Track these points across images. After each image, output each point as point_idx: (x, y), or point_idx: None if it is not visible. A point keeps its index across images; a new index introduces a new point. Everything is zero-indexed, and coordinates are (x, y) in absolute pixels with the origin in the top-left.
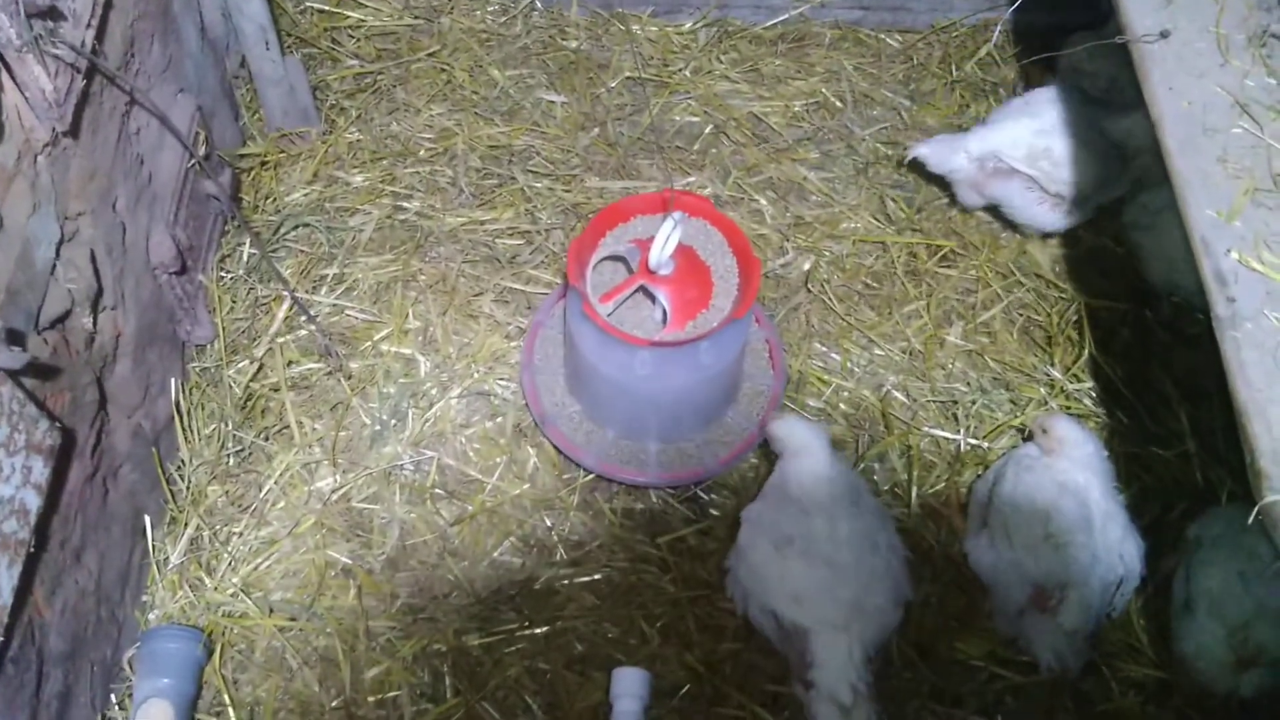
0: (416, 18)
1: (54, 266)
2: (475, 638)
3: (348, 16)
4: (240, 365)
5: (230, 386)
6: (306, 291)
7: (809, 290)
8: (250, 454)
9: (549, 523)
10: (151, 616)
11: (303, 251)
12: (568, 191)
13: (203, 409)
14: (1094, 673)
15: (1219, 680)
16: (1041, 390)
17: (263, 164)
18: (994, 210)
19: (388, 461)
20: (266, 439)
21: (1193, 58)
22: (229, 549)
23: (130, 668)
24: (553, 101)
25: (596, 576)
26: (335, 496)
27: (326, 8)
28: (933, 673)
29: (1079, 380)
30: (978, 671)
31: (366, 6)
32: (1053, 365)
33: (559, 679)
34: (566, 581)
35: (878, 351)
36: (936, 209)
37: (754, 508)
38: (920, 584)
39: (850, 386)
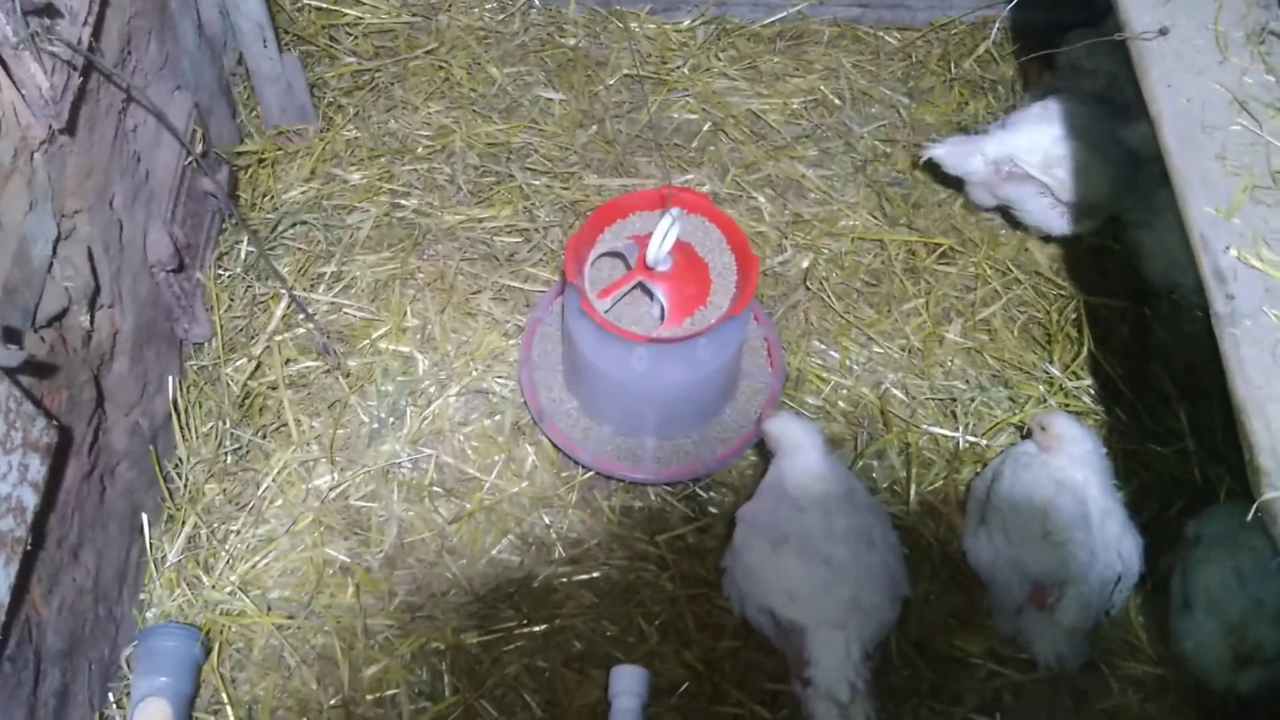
0: (414, 15)
1: (51, 264)
2: (474, 636)
3: (345, 14)
4: (238, 363)
5: (228, 384)
6: (304, 289)
7: (807, 288)
8: (248, 452)
9: (547, 520)
10: (149, 614)
11: (300, 249)
12: (566, 189)
13: (200, 407)
14: (1093, 670)
15: (1217, 677)
16: (1040, 388)
17: (260, 161)
18: (998, 208)
19: (386, 459)
20: (264, 437)
21: (1191, 55)
22: (227, 547)
23: (128, 666)
24: (551, 99)
25: (595, 574)
26: (333, 494)
27: (324, 5)
28: (931, 670)
29: (1078, 378)
30: (976, 669)
31: (364, 4)
32: (1051, 363)
33: (557, 677)
34: (565, 579)
35: (876, 349)
36: (935, 206)
37: (749, 507)
38: (919, 581)
39: (849, 384)
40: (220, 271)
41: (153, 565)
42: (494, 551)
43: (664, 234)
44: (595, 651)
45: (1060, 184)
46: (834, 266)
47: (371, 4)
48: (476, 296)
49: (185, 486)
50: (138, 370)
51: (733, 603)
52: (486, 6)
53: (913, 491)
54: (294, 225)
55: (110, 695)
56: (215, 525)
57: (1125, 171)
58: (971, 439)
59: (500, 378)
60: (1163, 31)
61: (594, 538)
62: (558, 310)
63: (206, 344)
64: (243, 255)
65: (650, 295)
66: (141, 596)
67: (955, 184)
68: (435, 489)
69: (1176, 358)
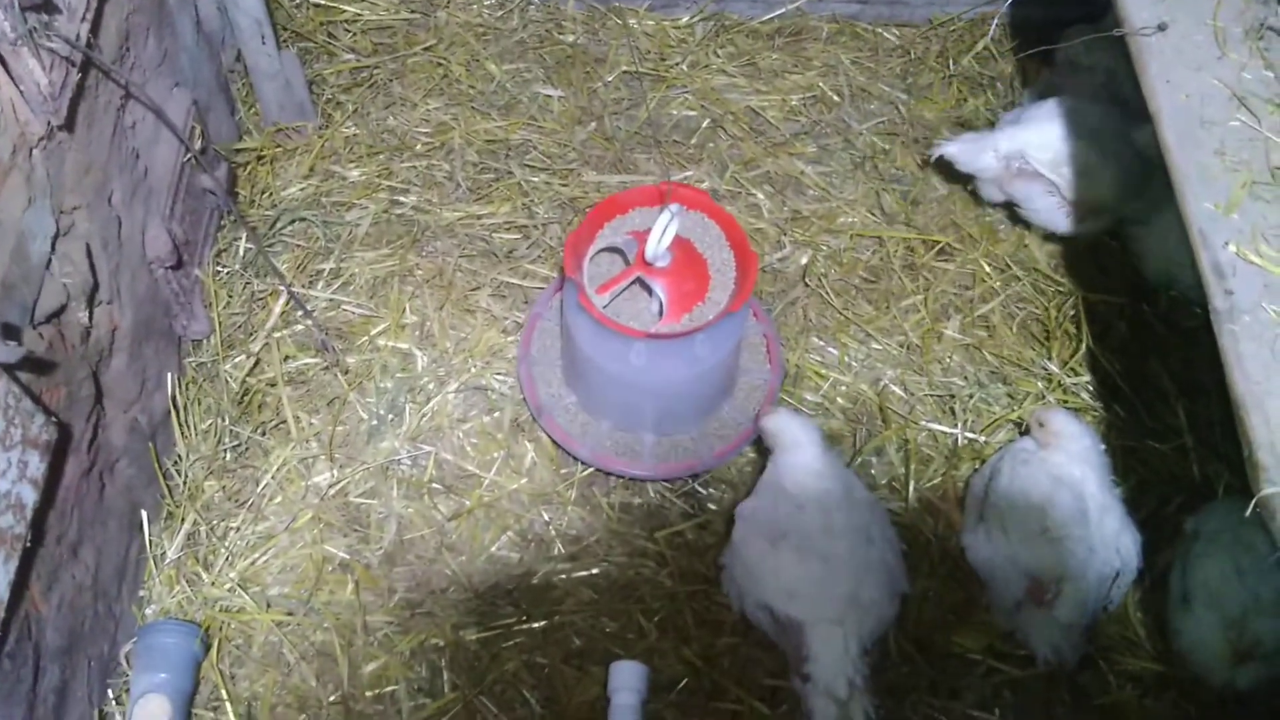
0: (413, 12)
1: (49, 261)
2: (473, 632)
3: (344, 10)
4: (237, 360)
5: (227, 381)
6: (303, 286)
7: (806, 284)
8: (247, 449)
9: (546, 517)
10: (148, 611)
11: (299, 246)
12: (565, 186)
13: (199, 404)
14: (1091, 666)
15: (1216, 673)
16: (1039, 384)
17: (259, 158)
18: (1004, 204)
19: (385, 456)
20: (263, 434)
21: (1190, 51)
22: (226, 544)
23: (127, 663)
24: (549, 96)
25: (594, 571)
26: (332, 491)
27: (322, 2)
28: (930, 666)
29: (1076, 374)
30: (975, 665)
31: (363, 0)
32: (1050, 359)
33: (557, 673)
34: (564, 576)
35: (875, 346)
36: (933, 203)
37: (747, 504)
38: (917, 578)
39: (848, 381)
40: (219, 268)
41: (152, 562)
42: (493, 548)
43: (663, 229)
44: (594, 648)
45: (1068, 183)
46: (833, 263)
47: (370, 0)
48: (475, 293)
49: (184, 483)
50: (136, 367)
51: (731, 599)
52: (485, 3)
53: (911, 488)
54: (293, 222)
55: (110, 692)
56: (214, 522)
57: (1134, 174)
58: (970, 435)
59: (499, 374)
60: (1161, 27)
61: (593, 534)
62: (557, 305)
63: (205, 341)
64: (241, 252)
65: (649, 291)
66: (141, 593)
67: (957, 179)
68: (434, 486)
69: (1175, 354)
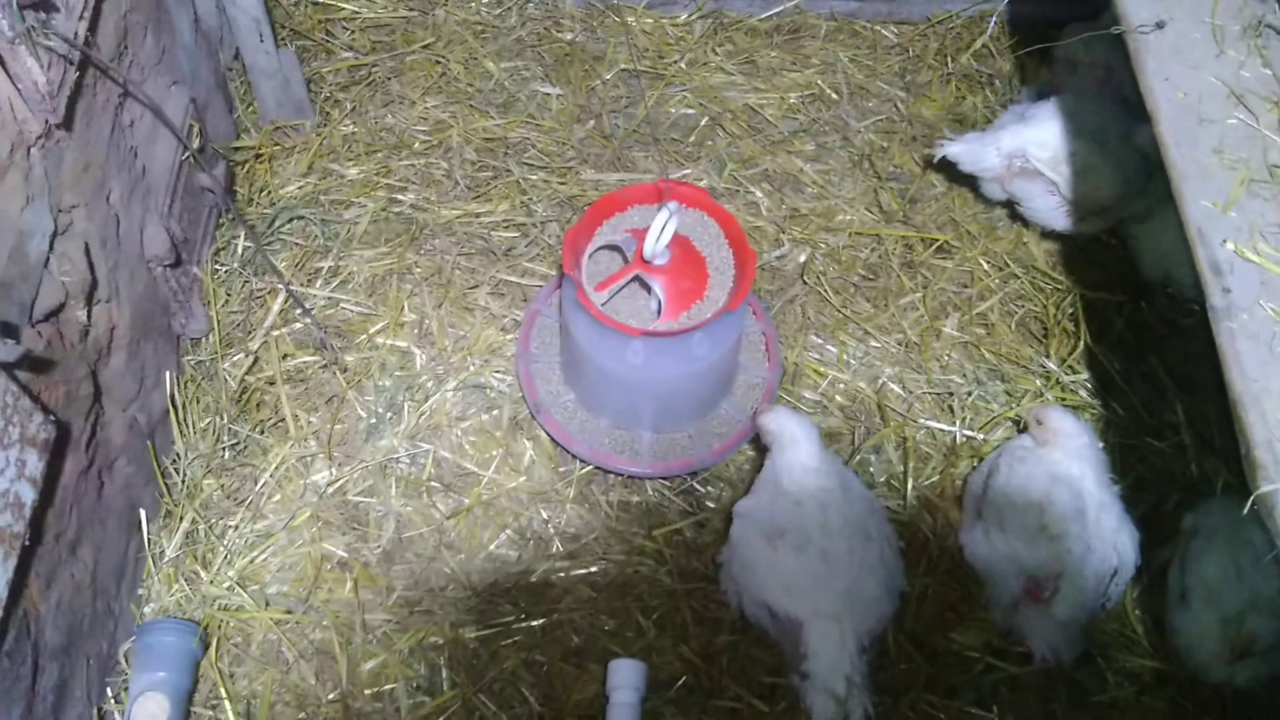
0: (411, 10)
1: (48, 259)
2: (472, 630)
3: (342, 9)
4: (235, 358)
5: (225, 380)
6: (301, 284)
7: (805, 282)
8: (246, 447)
9: (545, 515)
10: (147, 610)
11: (297, 244)
12: (563, 184)
13: (198, 402)
14: (1089, 663)
15: (1213, 670)
16: (1037, 382)
17: (257, 157)
18: (1000, 203)
19: (383, 454)
20: (262, 432)
21: (1188, 48)
22: (225, 542)
23: (126, 661)
24: (548, 94)
25: (593, 569)
26: (331, 490)
27: (320, 0)
28: (928, 664)
29: (1074, 372)
30: (973, 662)
31: None
32: (1048, 357)
33: (555, 671)
34: (563, 574)
35: (873, 343)
36: (931, 200)
37: (745, 502)
38: (915, 575)
39: (846, 379)
40: (217, 267)
41: (151, 560)
42: (492, 546)
43: (661, 227)
44: (593, 646)
45: (1067, 182)
46: (831, 261)
47: None
48: (474, 291)
49: (183, 482)
50: (135, 365)
51: (730, 597)
52: (483, 1)
53: (909, 486)
54: (291, 220)
55: (108, 690)
56: (213, 520)
57: (1135, 173)
58: (968, 433)
59: (498, 372)
60: (1160, 25)
61: (591, 532)
62: (556, 303)
63: (204, 339)
64: (240, 250)
65: (647, 289)
66: (140, 592)
67: (957, 178)
68: (433, 484)
69: (1173, 352)
